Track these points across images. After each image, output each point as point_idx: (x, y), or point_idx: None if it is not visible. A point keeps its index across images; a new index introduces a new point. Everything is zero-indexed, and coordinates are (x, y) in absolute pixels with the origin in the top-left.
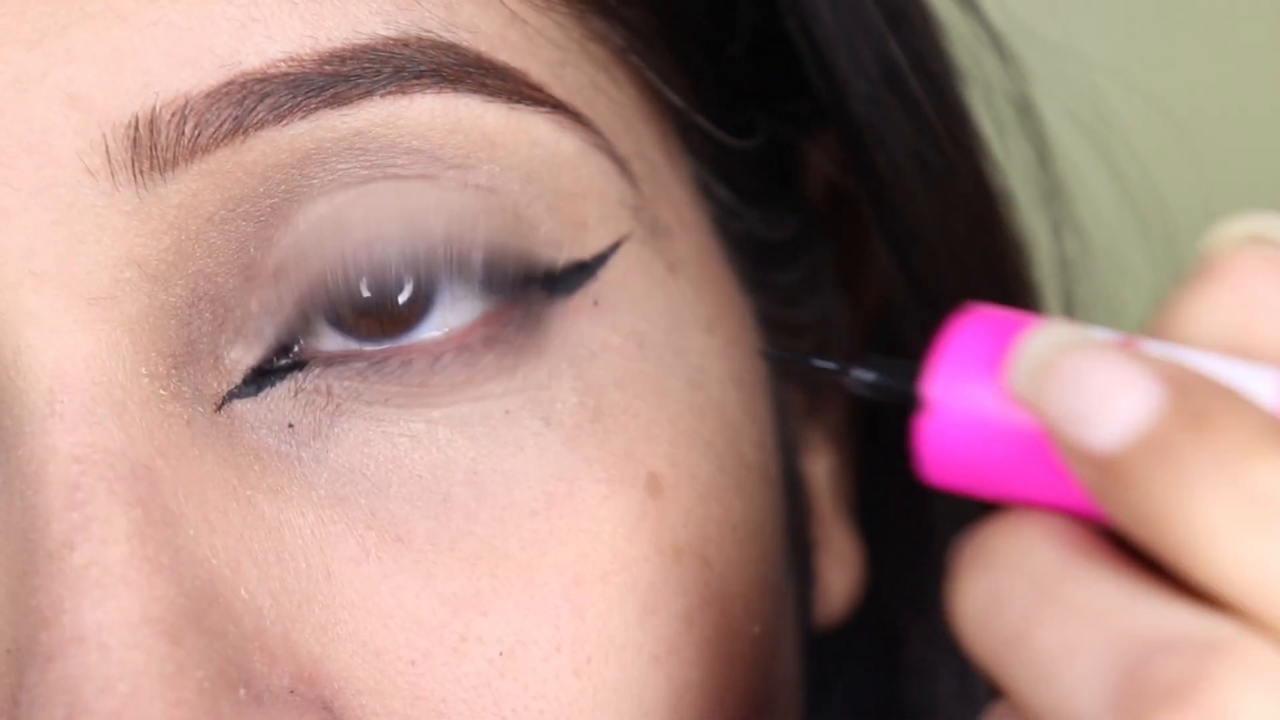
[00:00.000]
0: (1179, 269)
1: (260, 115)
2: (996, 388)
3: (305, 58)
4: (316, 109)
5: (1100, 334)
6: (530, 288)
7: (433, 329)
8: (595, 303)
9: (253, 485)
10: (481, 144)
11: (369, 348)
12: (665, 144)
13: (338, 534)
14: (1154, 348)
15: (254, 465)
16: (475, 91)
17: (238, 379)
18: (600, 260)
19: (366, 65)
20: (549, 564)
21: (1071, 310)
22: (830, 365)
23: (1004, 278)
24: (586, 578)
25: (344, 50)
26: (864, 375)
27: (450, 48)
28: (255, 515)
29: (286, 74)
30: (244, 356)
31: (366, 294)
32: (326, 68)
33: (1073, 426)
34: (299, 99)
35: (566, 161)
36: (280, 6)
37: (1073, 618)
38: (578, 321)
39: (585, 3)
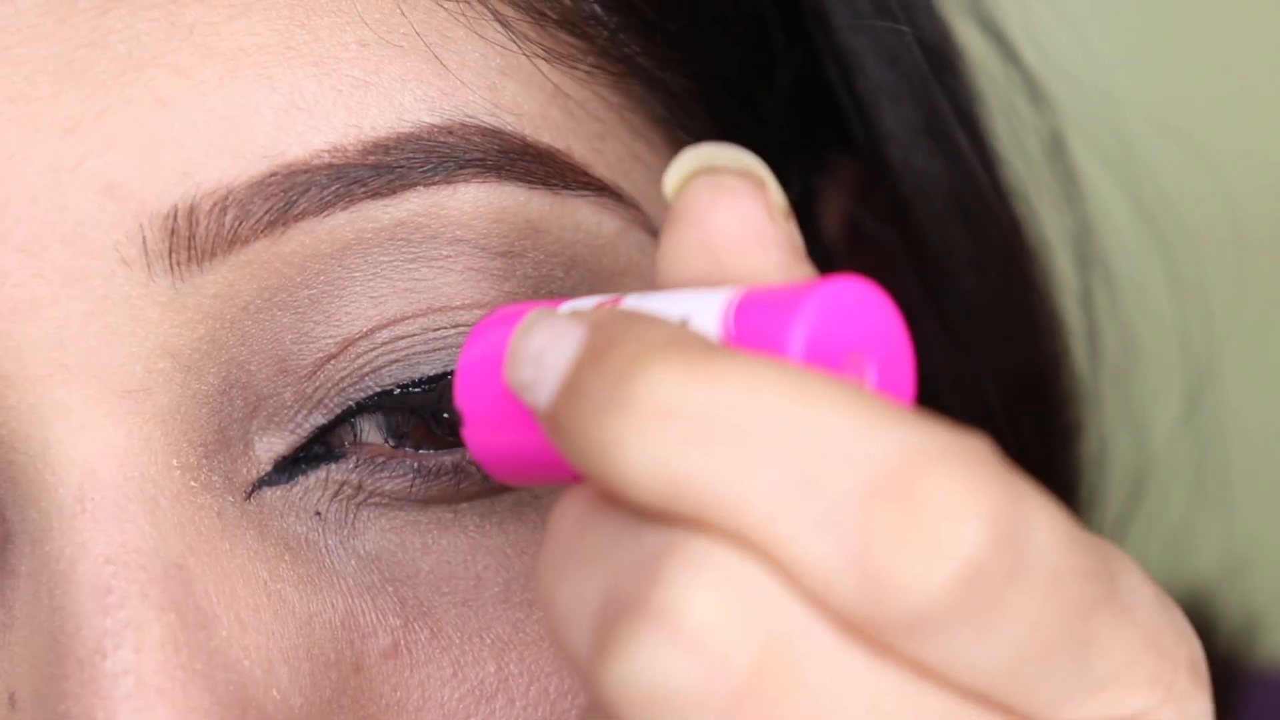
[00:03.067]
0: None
1: (302, 206)
2: (502, 384)
3: (349, 148)
4: (359, 200)
5: (581, 303)
6: None
7: None
8: None
9: (282, 578)
10: (526, 232)
11: (409, 450)
12: None
13: (367, 625)
14: (631, 301)
15: (284, 556)
16: (520, 179)
17: (268, 467)
18: None
19: (411, 155)
20: None
21: (1094, 345)
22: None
23: (1035, 321)
24: None
25: (389, 140)
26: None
27: (495, 134)
28: (286, 610)
29: (330, 165)
30: (275, 444)
31: (412, 399)
32: (371, 158)
33: (527, 395)
34: (342, 190)
35: (608, 243)
36: (325, 95)
37: (578, 569)
38: None
39: (625, 71)
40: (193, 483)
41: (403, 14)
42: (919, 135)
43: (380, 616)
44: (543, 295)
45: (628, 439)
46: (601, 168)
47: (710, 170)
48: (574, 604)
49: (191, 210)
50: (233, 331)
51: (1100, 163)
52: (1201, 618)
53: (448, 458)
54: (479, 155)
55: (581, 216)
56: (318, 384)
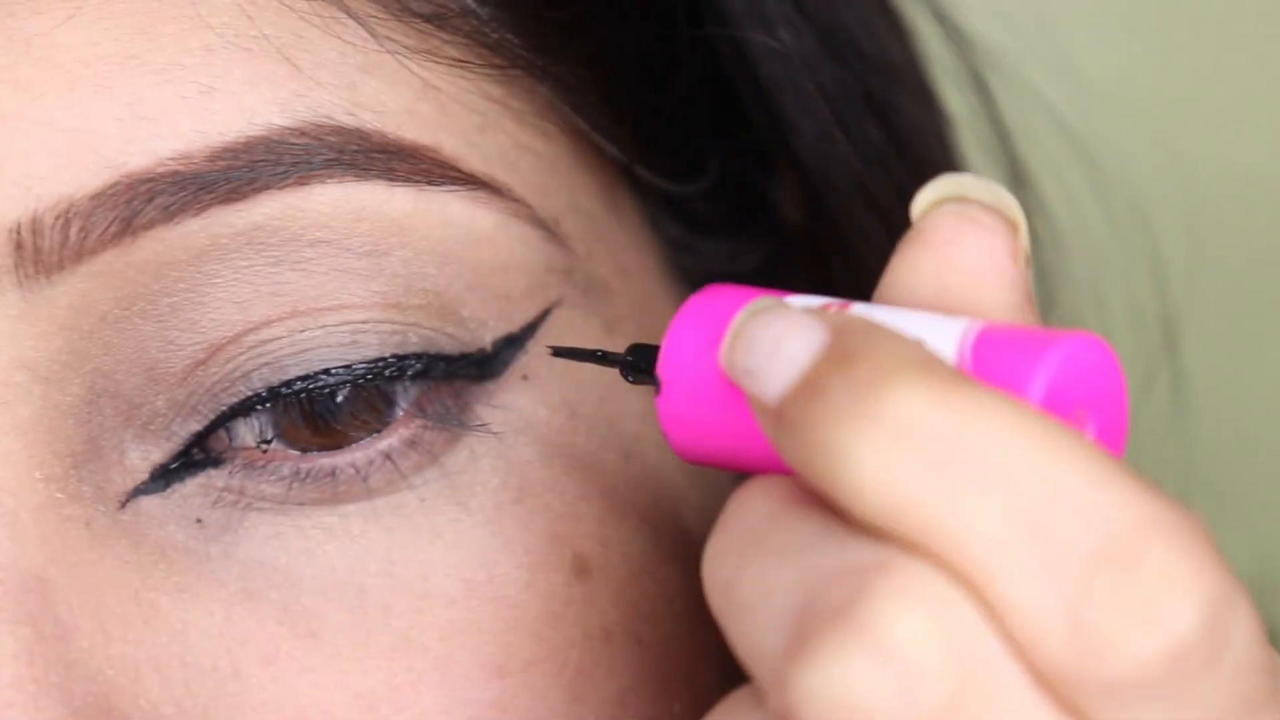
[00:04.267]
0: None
1: (149, 215)
2: (715, 363)
3: (196, 154)
4: (209, 206)
5: (809, 300)
6: (458, 372)
7: (358, 436)
8: (524, 377)
9: (156, 586)
10: (391, 229)
11: (294, 451)
12: (607, 190)
13: (247, 632)
14: (860, 309)
15: (159, 565)
16: (380, 176)
17: (144, 476)
18: (529, 332)
19: (261, 158)
20: (468, 655)
21: (1050, 308)
22: (603, 356)
23: None
24: (509, 668)
25: (237, 144)
26: (622, 362)
27: (352, 133)
28: (158, 619)
29: (176, 172)
30: (152, 453)
31: (285, 402)
32: (219, 163)
33: (750, 382)
34: (189, 197)
35: (484, 237)
36: (169, 102)
37: (769, 561)
38: (505, 398)
39: (506, 63)
40: (58, 494)
41: (250, 17)
42: (827, 126)
43: (260, 624)
44: (415, 292)
45: (865, 451)
46: (477, 161)
47: (962, 199)
48: (759, 596)
49: (35, 223)
50: (93, 342)
51: (1061, 154)
52: None
53: (325, 459)
54: (334, 155)
55: (451, 212)
56: (189, 390)
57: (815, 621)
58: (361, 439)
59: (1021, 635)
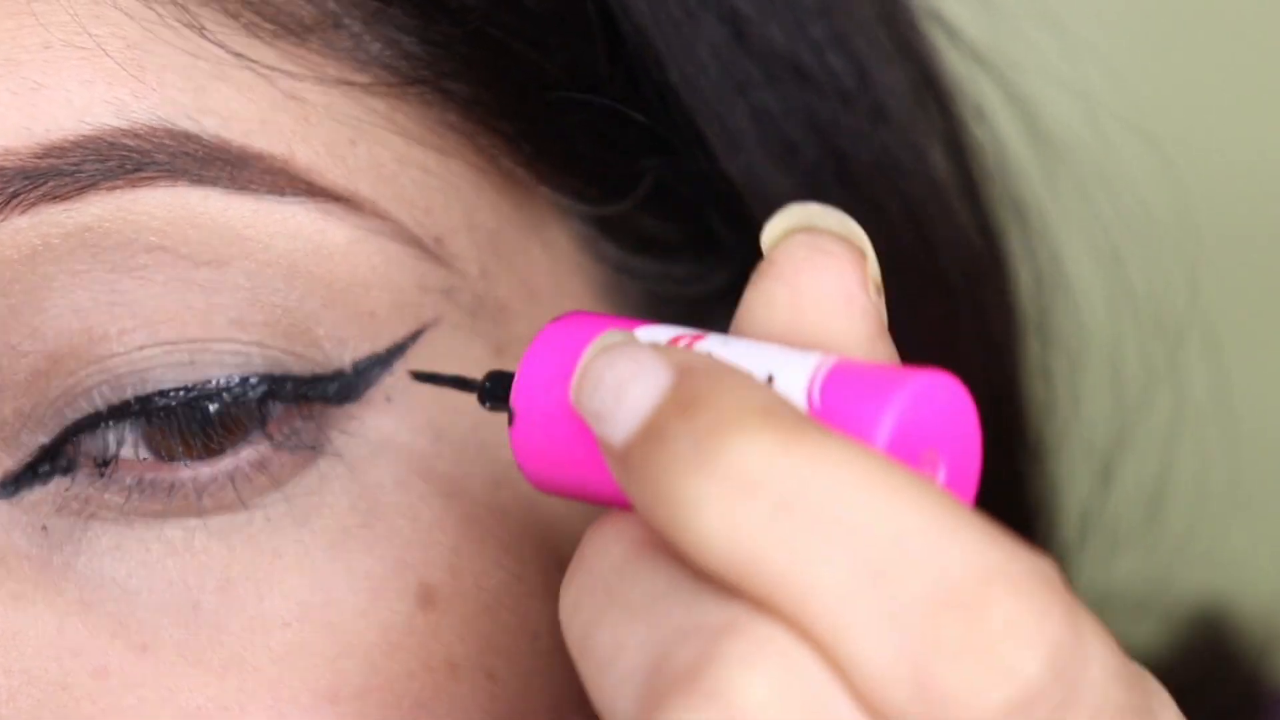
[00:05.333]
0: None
1: None
2: (567, 394)
3: (21, 150)
4: (36, 203)
5: (664, 332)
6: (315, 397)
7: (209, 451)
8: (388, 398)
9: None
10: (230, 239)
11: (145, 463)
12: (520, 208)
13: (80, 642)
14: (711, 343)
15: None
16: (220, 184)
17: None
18: (396, 352)
19: (90, 157)
20: (300, 679)
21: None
22: (461, 381)
23: (958, 341)
24: (341, 695)
25: (65, 142)
26: (479, 388)
27: (190, 138)
28: None
29: (2, 167)
30: (2, 460)
31: (129, 420)
32: (46, 160)
33: (597, 424)
34: (13, 193)
35: (337, 251)
36: None
37: (623, 615)
38: (364, 421)
39: (394, 79)
40: None
41: (93, 20)
42: (758, 148)
43: (94, 635)
44: (261, 307)
45: (707, 502)
46: (338, 174)
47: (810, 229)
48: (612, 651)
49: None
50: None
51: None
52: (1221, 635)
53: (166, 474)
54: (166, 158)
55: (298, 224)
56: (34, 401)
57: (664, 684)
58: (212, 456)
59: (867, 691)
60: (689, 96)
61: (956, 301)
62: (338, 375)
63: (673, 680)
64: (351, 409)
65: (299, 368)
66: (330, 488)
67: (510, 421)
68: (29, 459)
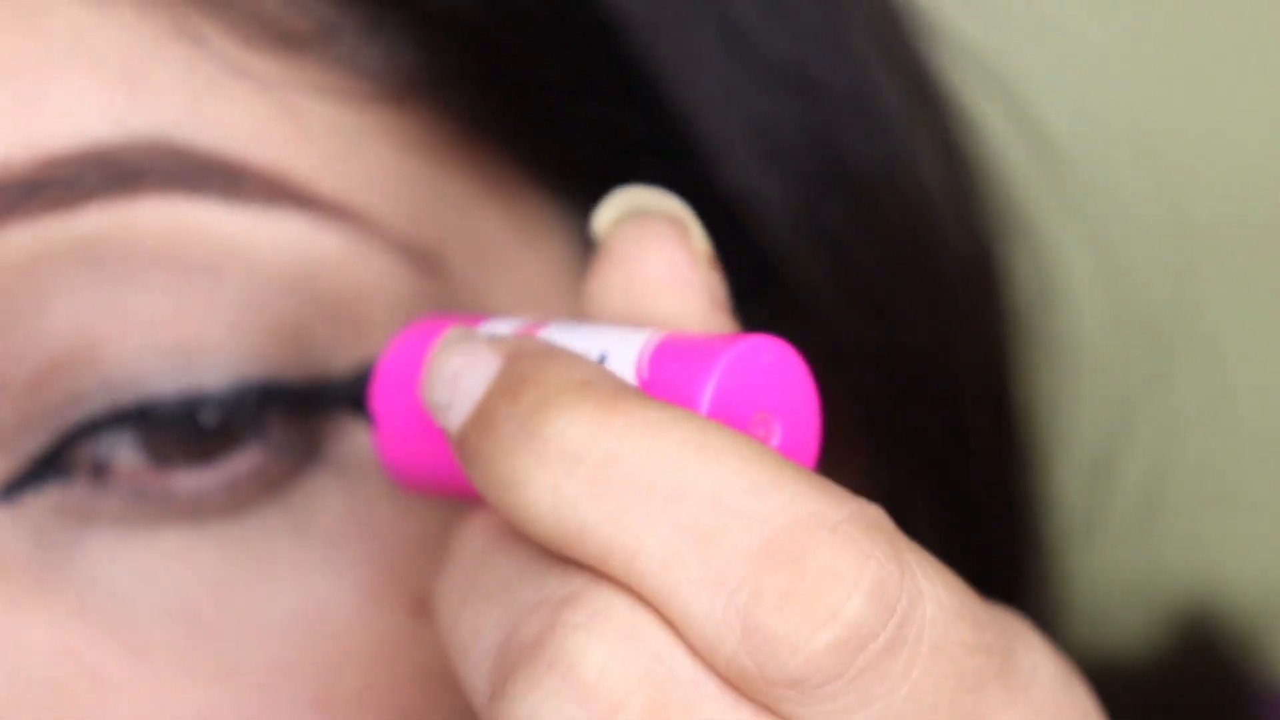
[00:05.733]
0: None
1: None
2: (416, 396)
3: (18, 162)
4: (34, 214)
5: (507, 324)
6: (311, 399)
7: (208, 458)
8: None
9: None
10: (227, 249)
11: (143, 470)
12: (519, 216)
13: (76, 648)
14: (553, 331)
15: None
16: (216, 196)
17: None
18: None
19: (87, 169)
20: (292, 687)
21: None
22: (330, 388)
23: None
24: (334, 703)
25: (61, 154)
26: (342, 393)
27: (185, 150)
28: None
29: (0, 179)
30: (2, 464)
31: (128, 425)
32: (43, 172)
33: (441, 416)
34: (11, 203)
35: (333, 262)
36: None
37: (482, 601)
38: (361, 429)
39: (391, 90)
40: None
41: (91, 32)
42: (756, 155)
43: (89, 641)
44: (256, 316)
45: (533, 478)
46: (334, 186)
47: (639, 213)
48: (472, 636)
49: None
50: None
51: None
52: (1209, 631)
53: (165, 482)
54: (163, 169)
55: (293, 236)
56: (33, 405)
57: (511, 658)
58: (209, 463)
59: (702, 647)
60: (686, 105)
61: (953, 306)
62: (332, 382)
63: (518, 654)
64: (345, 416)
65: (295, 375)
66: (325, 497)
67: (372, 425)
68: (26, 464)
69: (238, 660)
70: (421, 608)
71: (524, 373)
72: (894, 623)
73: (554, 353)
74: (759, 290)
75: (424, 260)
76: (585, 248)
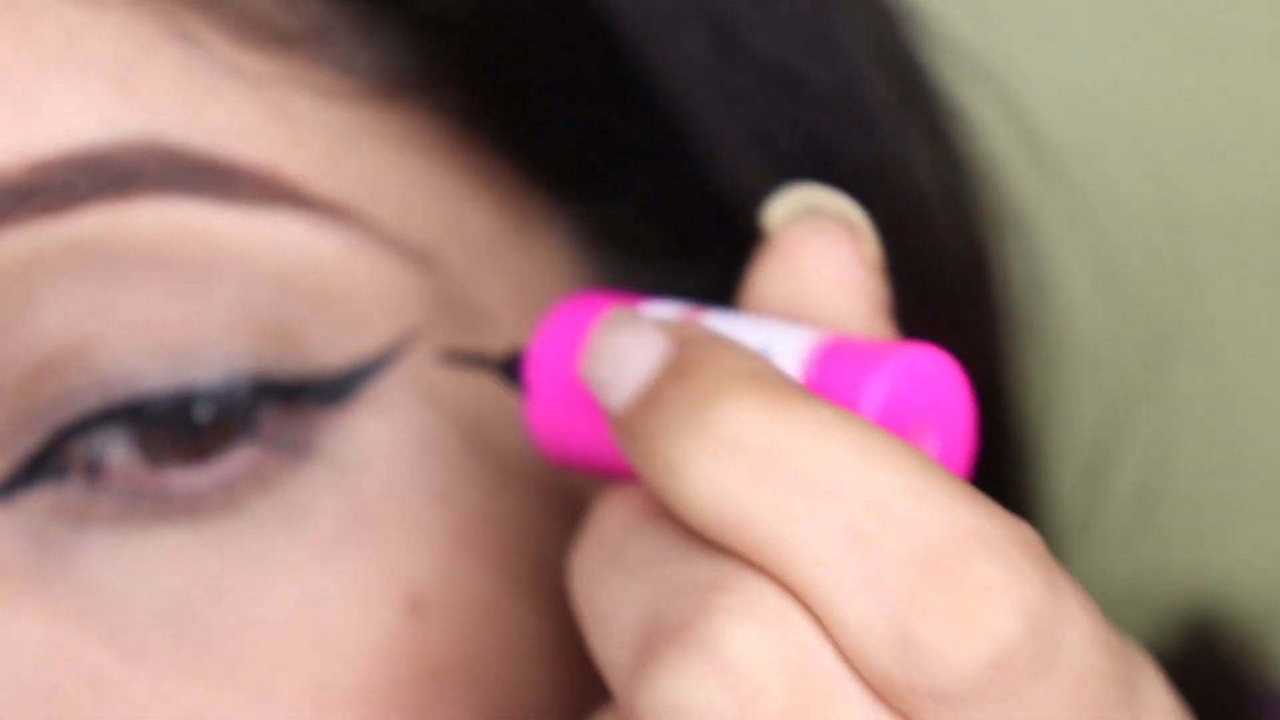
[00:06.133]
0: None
1: None
2: (574, 370)
3: (12, 167)
4: (28, 219)
5: (669, 308)
6: (305, 396)
7: (202, 455)
8: (379, 404)
9: None
10: (221, 250)
11: (139, 468)
12: (513, 214)
13: (72, 651)
14: (713, 318)
15: None
16: (210, 197)
17: None
18: (385, 360)
19: (80, 173)
20: (289, 686)
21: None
22: (478, 359)
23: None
24: (331, 701)
25: (55, 159)
26: (497, 366)
27: (179, 152)
28: None
29: None
30: None
31: (120, 423)
32: (36, 177)
33: (602, 393)
34: (6, 209)
35: (327, 261)
36: None
37: (622, 576)
38: (356, 426)
39: (384, 88)
40: None
41: (83, 35)
42: (749, 155)
43: (86, 643)
44: (250, 316)
45: (696, 463)
46: (329, 185)
47: (814, 212)
48: (613, 610)
49: None
50: None
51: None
52: (1210, 634)
53: (161, 481)
54: (157, 172)
55: (289, 236)
56: (25, 405)
57: (658, 637)
58: (203, 460)
59: (850, 648)
60: (680, 104)
61: (947, 305)
62: (326, 377)
63: (665, 633)
64: (341, 412)
65: (287, 370)
66: (321, 493)
67: (525, 397)
68: (19, 464)
69: (235, 659)
70: (419, 605)
71: (693, 358)
72: (1043, 646)
73: (723, 341)
74: None
75: (418, 258)
76: (575, 248)
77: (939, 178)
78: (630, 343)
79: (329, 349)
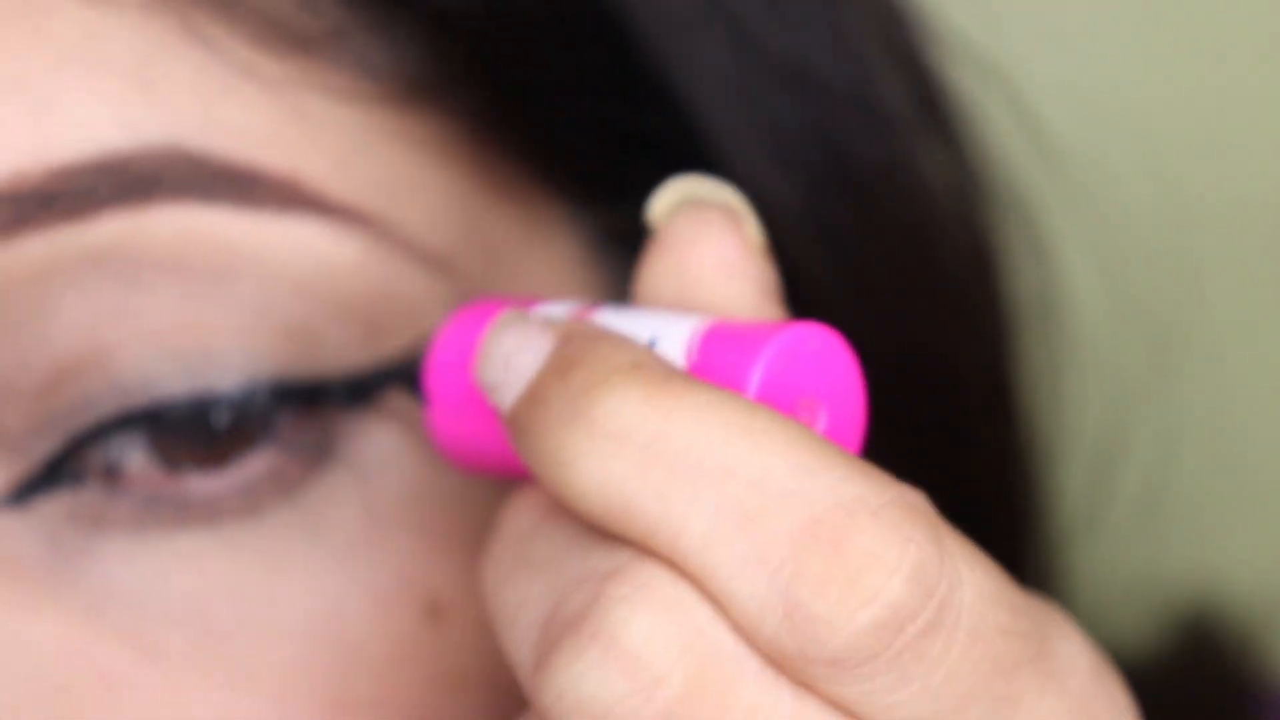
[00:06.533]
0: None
1: None
2: (470, 377)
3: (31, 173)
4: (48, 224)
5: (560, 308)
6: (323, 400)
7: (222, 460)
8: (397, 410)
9: None
10: (240, 255)
11: (156, 474)
12: (526, 216)
13: (87, 651)
14: (604, 315)
15: (2, 578)
16: (229, 202)
17: (0, 490)
18: (404, 364)
19: (100, 179)
20: (306, 692)
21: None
22: (391, 373)
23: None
24: (348, 708)
25: (74, 164)
26: (402, 376)
27: (199, 157)
28: None
29: (11, 190)
30: (13, 467)
31: (138, 428)
32: (56, 183)
33: (494, 395)
34: (25, 215)
35: (345, 266)
36: (7, 119)
37: (527, 574)
38: (374, 432)
39: (399, 91)
40: None
41: (101, 38)
42: (765, 154)
43: (101, 644)
44: (269, 320)
45: (581, 456)
46: (346, 189)
47: (694, 200)
48: (518, 608)
49: None
50: None
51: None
52: (1211, 631)
53: (179, 486)
54: (176, 177)
55: (308, 240)
56: (42, 410)
57: (556, 630)
58: (222, 465)
59: (743, 624)
60: (695, 104)
61: (955, 303)
62: (344, 380)
63: (563, 625)
64: (359, 417)
65: (306, 374)
66: (340, 499)
67: (425, 406)
68: (36, 468)
69: (251, 664)
70: (436, 611)
71: (575, 353)
72: (933, 605)
73: (605, 335)
74: None
75: (435, 261)
76: (593, 248)
77: (949, 176)
78: (518, 344)
79: (348, 353)
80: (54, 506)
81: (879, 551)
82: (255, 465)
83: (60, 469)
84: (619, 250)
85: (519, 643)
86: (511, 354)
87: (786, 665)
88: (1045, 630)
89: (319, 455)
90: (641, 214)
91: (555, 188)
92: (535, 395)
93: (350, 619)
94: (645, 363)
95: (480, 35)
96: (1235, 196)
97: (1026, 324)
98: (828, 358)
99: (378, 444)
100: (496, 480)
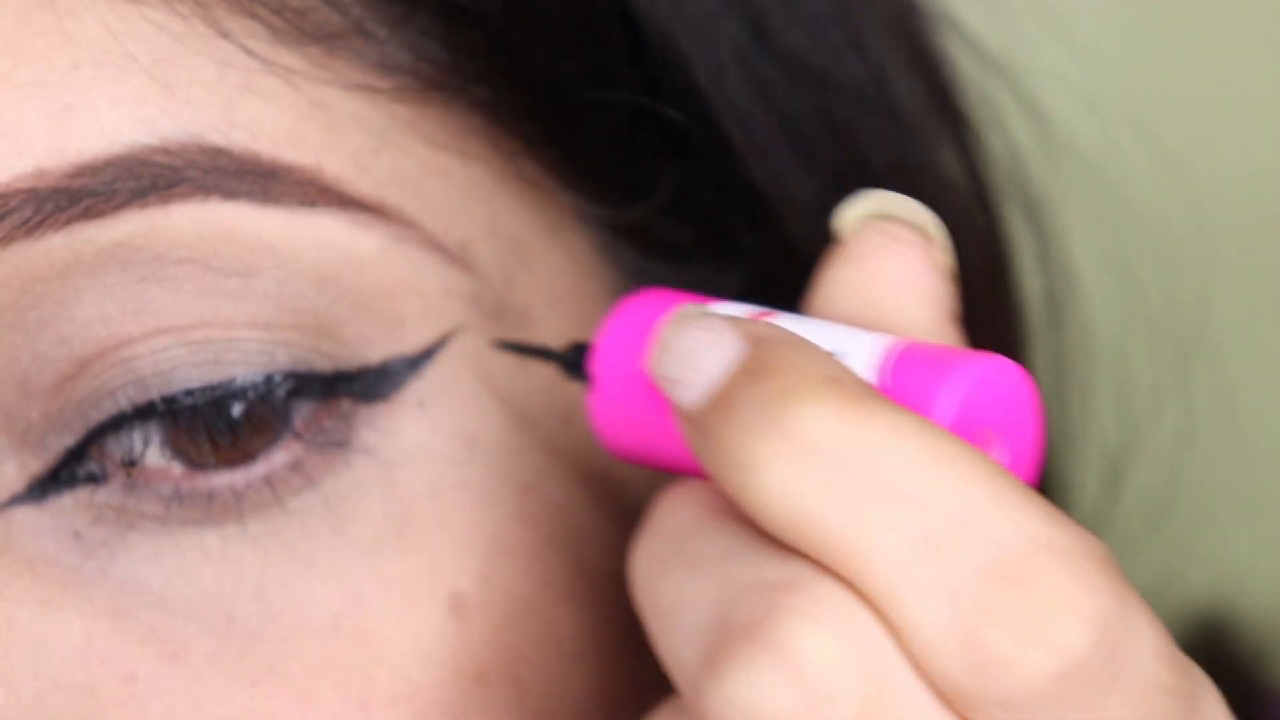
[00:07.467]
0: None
1: (7, 230)
2: (640, 364)
3: (53, 171)
4: (70, 221)
5: (738, 308)
6: (343, 393)
7: (244, 454)
8: (420, 405)
9: (15, 598)
10: (261, 251)
11: (177, 469)
12: (541, 213)
13: (110, 650)
14: (785, 320)
15: (23, 575)
16: (251, 197)
17: (19, 487)
18: (425, 357)
19: (122, 176)
20: (331, 688)
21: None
22: (544, 352)
23: None
24: (372, 704)
25: (96, 162)
26: (561, 358)
27: (220, 153)
28: (14, 631)
29: (33, 188)
30: (29, 464)
31: (157, 420)
32: (78, 180)
33: (671, 389)
34: (47, 213)
35: (366, 259)
36: (28, 119)
37: (688, 571)
38: (396, 425)
39: (418, 85)
40: None
41: (121, 35)
42: (782, 153)
43: (124, 642)
44: (289, 312)
45: (771, 465)
46: (366, 183)
47: (887, 217)
48: (678, 605)
49: None
50: None
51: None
52: (1222, 637)
53: (202, 481)
54: (197, 174)
55: (330, 234)
56: (60, 404)
57: (728, 636)
58: (244, 459)
59: (921, 654)
60: (713, 99)
61: (966, 301)
62: (364, 371)
63: (736, 632)
64: (381, 409)
65: (325, 365)
66: (364, 493)
67: (589, 388)
68: (55, 462)
69: (276, 661)
70: (460, 606)
71: (769, 359)
72: (1111, 658)
73: (799, 342)
74: (783, 282)
75: (456, 257)
76: (605, 246)
77: (961, 174)
78: (702, 340)
79: (369, 346)
80: (76, 504)
81: (1067, 596)
82: (277, 457)
83: (80, 465)
84: (635, 248)
85: (678, 640)
86: (697, 349)
87: (957, 700)
88: (1196, 690)
89: (341, 448)
90: (656, 211)
91: (572, 184)
92: (724, 397)
93: (375, 616)
94: (841, 377)
95: (499, 29)
96: (1248, 196)
97: (1038, 324)
98: (1012, 390)
99: (400, 436)
100: (527, 476)
